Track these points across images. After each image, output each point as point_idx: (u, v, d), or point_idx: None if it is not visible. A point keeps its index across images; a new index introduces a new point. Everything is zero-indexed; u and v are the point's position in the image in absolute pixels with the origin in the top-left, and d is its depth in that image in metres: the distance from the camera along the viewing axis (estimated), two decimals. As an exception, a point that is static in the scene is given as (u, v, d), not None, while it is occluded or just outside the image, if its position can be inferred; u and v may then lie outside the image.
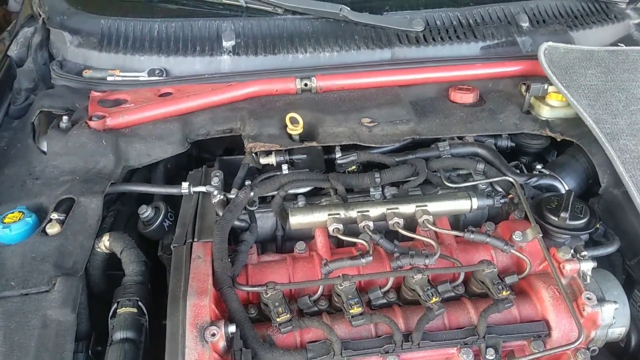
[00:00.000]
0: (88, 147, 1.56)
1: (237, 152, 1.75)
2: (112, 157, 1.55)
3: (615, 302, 1.24)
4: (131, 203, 1.62)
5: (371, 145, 1.56)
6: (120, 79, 1.81)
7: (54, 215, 1.36)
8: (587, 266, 1.27)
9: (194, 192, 1.48)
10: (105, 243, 1.36)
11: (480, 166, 1.51)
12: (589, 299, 1.22)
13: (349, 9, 1.89)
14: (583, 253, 1.30)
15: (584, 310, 1.22)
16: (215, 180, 1.48)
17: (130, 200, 1.64)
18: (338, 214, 1.38)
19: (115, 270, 1.40)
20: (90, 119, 1.60)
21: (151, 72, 1.82)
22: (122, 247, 1.34)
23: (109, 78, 1.81)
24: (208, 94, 1.70)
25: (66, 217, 1.37)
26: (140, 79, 1.81)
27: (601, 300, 1.23)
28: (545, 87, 1.70)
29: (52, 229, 1.33)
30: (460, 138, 1.65)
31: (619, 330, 1.28)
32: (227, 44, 1.85)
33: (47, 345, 1.12)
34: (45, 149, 1.60)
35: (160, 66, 1.83)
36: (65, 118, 1.62)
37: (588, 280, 1.27)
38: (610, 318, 1.23)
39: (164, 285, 1.35)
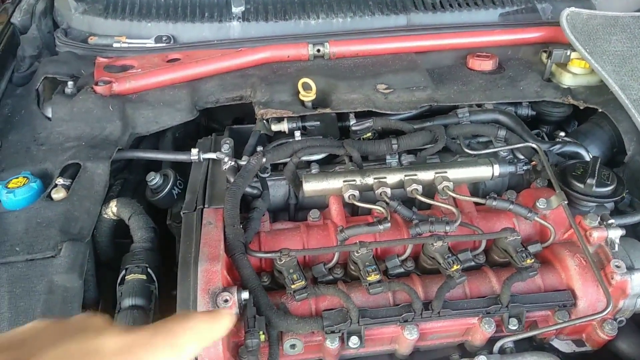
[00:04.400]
0: (94, 113, 1.50)
1: (247, 121, 1.69)
2: (119, 124, 1.49)
3: (645, 270, 1.18)
4: (139, 171, 1.57)
5: (387, 112, 1.50)
6: (126, 45, 1.76)
7: (60, 181, 1.31)
8: (615, 234, 1.21)
9: (204, 158, 1.43)
10: (112, 209, 1.31)
11: (502, 133, 1.44)
12: (617, 266, 1.17)
13: (363, -27, 1.82)
14: (610, 221, 1.24)
15: (612, 278, 1.16)
16: (226, 147, 1.42)
17: (138, 168, 1.59)
18: (354, 180, 1.32)
19: (123, 239, 1.35)
20: (97, 84, 1.55)
21: (158, 39, 1.78)
22: (130, 213, 1.29)
23: (114, 45, 1.76)
24: (217, 60, 1.64)
25: (72, 182, 1.32)
26: (147, 45, 1.76)
27: (630, 269, 1.18)
28: (568, 54, 1.63)
29: (58, 194, 1.28)
30: (479, 106, 1.58)
31: (648, 301, 1.23)
32: (237, 9, 1.80)
33: (53, 311, 1.07)
34: (50, 115, 1.55)
35: (167, 33, 1.79)
36: (70, 83, 1.57)
37: (616, 248, 1.21)
38: (640, 287, 1.18)
39: (172, 257, 1.30)
